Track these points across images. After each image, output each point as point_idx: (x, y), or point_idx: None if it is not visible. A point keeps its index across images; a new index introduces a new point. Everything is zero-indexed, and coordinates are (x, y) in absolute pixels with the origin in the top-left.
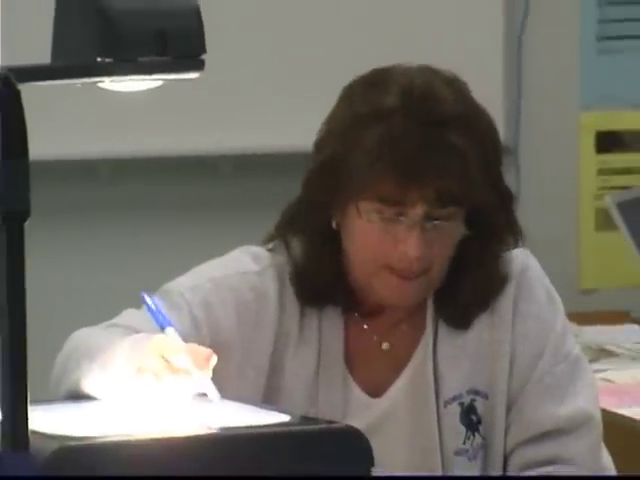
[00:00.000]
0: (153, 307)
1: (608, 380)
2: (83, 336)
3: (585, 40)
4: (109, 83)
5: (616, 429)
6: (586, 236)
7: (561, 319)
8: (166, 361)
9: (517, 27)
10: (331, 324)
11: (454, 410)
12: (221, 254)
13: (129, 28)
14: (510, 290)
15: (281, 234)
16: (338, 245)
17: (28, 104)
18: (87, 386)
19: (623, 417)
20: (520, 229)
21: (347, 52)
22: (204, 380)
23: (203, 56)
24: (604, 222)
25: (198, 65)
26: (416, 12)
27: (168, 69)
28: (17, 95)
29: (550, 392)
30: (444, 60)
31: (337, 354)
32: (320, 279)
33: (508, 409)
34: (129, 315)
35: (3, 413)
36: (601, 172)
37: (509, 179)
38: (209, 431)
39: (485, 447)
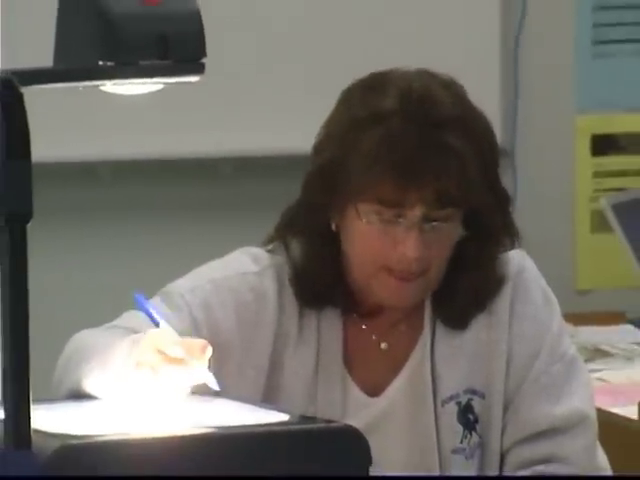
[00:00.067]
0: (146, 306)
1: (603, 380)
2: (84, 338)
3: (580, 44)
4: (111, 86)
5: (611, 428)
6: (582, 238)
7: (557, 320)
8: (162, 353)
9: (514, 31)
10: (330, 324)
11: (451, 409)
12: (221, 255)
13: (130, 32)
14: (507, 291)
15: (281, 235)
16: (337, 247)
17: (31, 107)
18: (88, 386)
19: (618, 416)
20: (517, 231)
21: (346, 55)
22: (201, 369)
23: (203, 60)
24: (599, 224)
25: (198, 68)
26: (413, 16)
27: (169, 72)
28: (20, 98)
29: (546, 392)
30: (442, 63)
31: (336, 354)
32: (319, 280)
33: (505, 408)
34: (129, 317)
35: (6, 412)
36: (596, 174)
37: (506, 181)
38: (208, 430)
39: (482, 446)
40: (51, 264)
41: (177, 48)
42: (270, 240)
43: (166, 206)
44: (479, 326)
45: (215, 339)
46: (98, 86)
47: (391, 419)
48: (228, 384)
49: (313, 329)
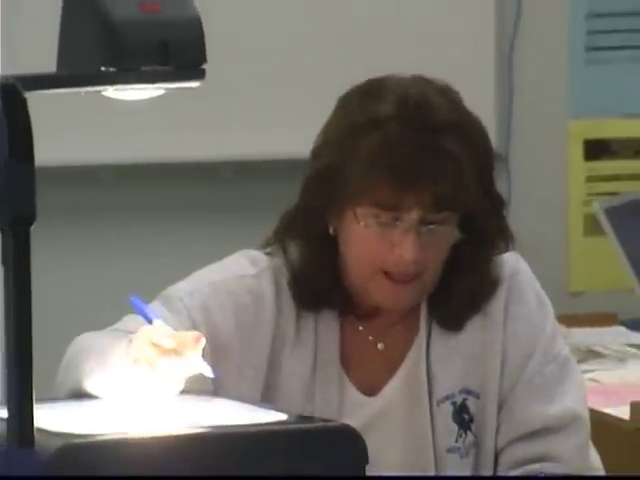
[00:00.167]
0: (141, 308)
1: (596, 380)
2: (84, 340)
3: (574, 51)
4: (113, 91)
5: (603, 428)
6: (575, 241)
7: (550, 321)
8: (157, 346)
9: (508, 38)
10: (327, 325)
11: (447, 409)
12: (221, 256)
13: (132, 38)
14: (501, 293)
15: (279, 239)
16: (335, 250)
17: (34, 111)
18: (88, 386)
19: (610, 416)
20: (511, 234)
21: (343, 61)
22: (196, 358)
23: (204, 66)
24: (592, 227)
25: (199, 74)
26: (410, 23)
27: (170, 78)
28: (24, 103)
29: (539, 392)
30: (438, 70)
31: (333, 354)
32: (317, 283)
33: (499, 408)
34: (129, 320)
35: (9, 411)
36: (589, 179)
37: (500, 185)
38: (208, 429)
39: (477, 445)
40: (54, 266)
41: (178, 54)
42: (268, 243)
43: (167, 208)
44: (474, 327)
45: (214, 341)
46: (100, 91)
47: (387, 418)
48: (227, 384)
49: (310, 330)
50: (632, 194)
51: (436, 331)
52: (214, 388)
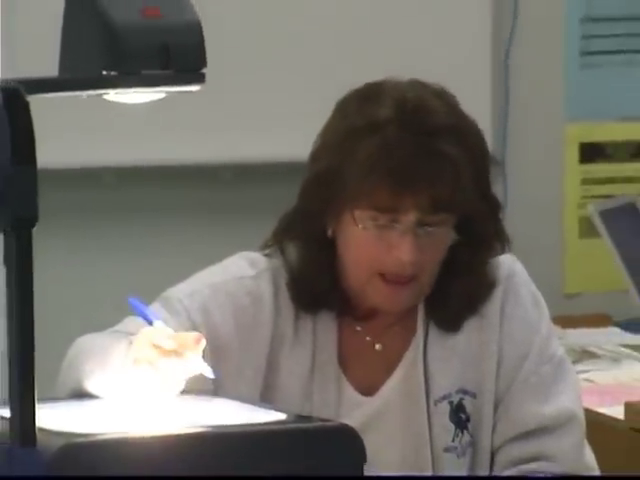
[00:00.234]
0: (140, 309)
1: (590, 381)
2: (85, 342)
3: (569, 55)
4: (114, 95)
5: (598, 428)
6: (570, 243)
7: (546, 322)
8: (157, 347)
9: (505, 43)
10: (325, 326)
11: (444, 409)
12: (221, 258)
13: (133, 43)
14: (497, 295)
15: (278, 240)
16: (333, 252)
17: (36, 114)
18: (89, 386)
19: (605, 416)
20: (507, 236)
21: (341, 66)
22: (196, 359)
23: (204, 69)
24: (587, 229)
25: (199, 78)
26: (408, 29)
27: (171, 82)
28: (26, 106)
29: (535, 392)
30: (435, 74)
31: (331, 354)
32: (315, 285)
33: (495, 408)
34: (130, 322)
35: (12, 411)
36: (584, 182)
37: (497, 188)
38: (207, 429)
39: (473, 444)
40: (56, 267)
41: (178, 58)
42: (267, 245)
43: (168, 210)
44: (471, 328)
45: (214, 342)
46: (102, 95)
47: (385, 418)
48: (227, 384)
49: (309, 331)
50: (626, 197)
51: (433, 332)
52: (214, 388)
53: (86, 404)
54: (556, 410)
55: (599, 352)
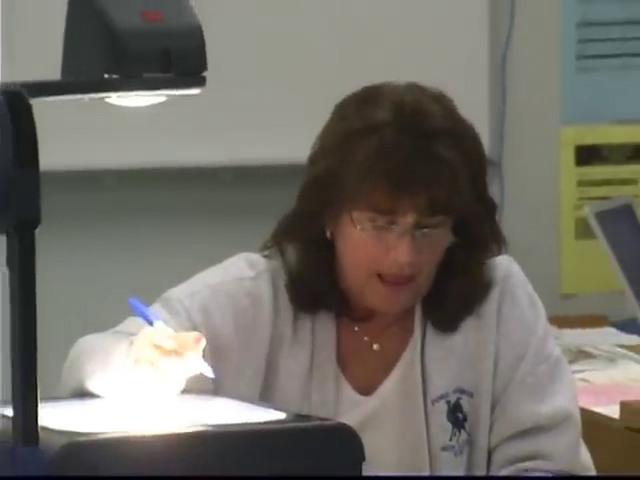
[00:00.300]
0: (141, 309)
1: (586, 380)
2: (87, 342)
3: (565, 59)
4: (116, 98)
5: (594, 427)
6: (566, 244)
7: (542, 323)
8: (158, 347)
9: (501, 48)
10: (324, 326)
11: (441, 408)
12: (221, 259)
13: (135, 47)
14: (494, 295)
15: (277, 242)
16: (332, 253)
17: (39, 117)
18: (91, 386)
19: (600, 416)
20: (503, 237)
21: (340, 69)
22: (196, 358)
23: (204, 73)
24: (583, 231)
25: (200, 81)
26: (405, 34)
27: (171, 85)
28: (29, 109)
29: (531, 391)
30: (434, 78)
31: (330, 354)
32: (314, 286)
33: (492, 407)
34: (131, 322)
35: (14, 410)
36: (580, 184)
37: (493, 190)
38: (207, 428)
39: (470, 443)
40: (58, 268)
41: (179, 62)
42: (267, 246)
43: (169, 212)
44: (468, 329)
45: (214, 342)
46: (104, 98)
47: (383, 417)
48: (226, 384)
49: (307, 331)
50: (622, 198)
51: (431, 332)
52: (214, 388)
53: (88, 403)
54: (552, 409)
55: (595, 352)
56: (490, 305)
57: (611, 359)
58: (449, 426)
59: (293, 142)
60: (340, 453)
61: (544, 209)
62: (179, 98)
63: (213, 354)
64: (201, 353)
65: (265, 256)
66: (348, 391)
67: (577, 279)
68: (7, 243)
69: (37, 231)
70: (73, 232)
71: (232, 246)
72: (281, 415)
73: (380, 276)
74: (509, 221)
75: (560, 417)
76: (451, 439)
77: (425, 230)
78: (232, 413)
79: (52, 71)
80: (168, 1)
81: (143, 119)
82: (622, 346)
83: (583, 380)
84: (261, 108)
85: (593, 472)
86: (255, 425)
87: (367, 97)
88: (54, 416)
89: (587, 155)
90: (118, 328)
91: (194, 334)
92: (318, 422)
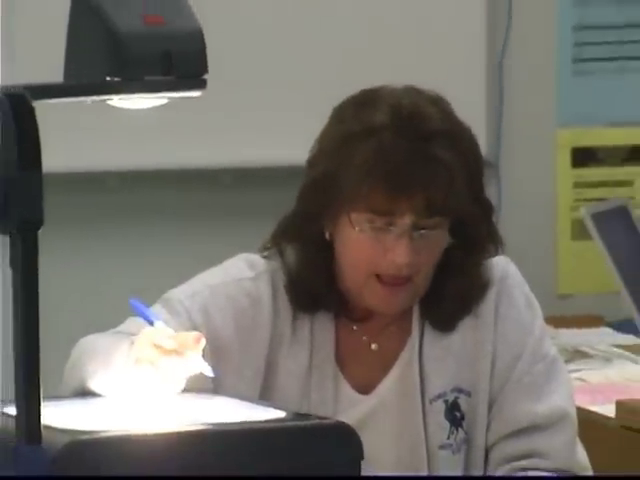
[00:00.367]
0: (141, 309)
1: (582, 380)
2: (88, 342)
3: (561, 62)
4: (117, 101)
5: (590, 426)
6: (563, 245)
7: (539, 323)
8: (158, 347)
9: (498, 51)
10: (323, 326)
11: (439, 407)
12: (221, 260)
13: (136, 50)
14: (491, 296)
15: (276, 243)
16: (331, 254)
17: (42, 119)
18: (93, 385)
19: (596, 414)
20: (500, 238)
21: (339, 71)
22: (196, 358)
23: (205, 76)
24: (579, 232)
25: (201, 84)
26: (403, 37)
27: (173, 88)
28: (32, 111)
29: (528, 391)
30: (430, 81)
31: (328, 353)
32: (313, 287)
33: (489, 407)
34: (132, 323)
35: (18, 409)
36: (576, 185)
37: (490, 191)
38: (208, 426)
39: (468, 441)
40: (60, 269)
41: (180, 65)
42: (266, 247)
43: (169, 213)
44: (465, 328)
45: (214, 343)
46: (105, 100)
47: (381, 416)
48: (226, 384)
49: (306, 331)
50: (617, 200)
51: (429, 332)
52: (214, 387)
53: (90, 403)
54: (548, 409)
55: (591, 352)
56: (487, 305)
57: (607, 359)
58: (447, 425)
59: (292, 144)
60: (339, 451)
61: (541, 210)
62: (180, 100)
63: (213, 354)
64: (201, 353)
65: (265, 257)
66: (347, 390)
67: (573, 279)
68: (10, 244)
69: (40, 232)
70: (75, 233)
71: (232, 247)
72: (280, 414)
73: (378, 277)
74: (506, 222)
75: (556, 416)
76: (449, 437)
77: (423, 231)
78: (232, 412)
79: (52, 72)
80: (169, 5)
81: (144, 121)
82: (618, 346)
83: (579, 379)
84: (261, 110)
85: (589, 470)
86: (255, 424)
87: (365, 100)
88: (57, 415)
89: (583, 157)
90: (119, 328)
91: (194, 334)
92: (317, 421)
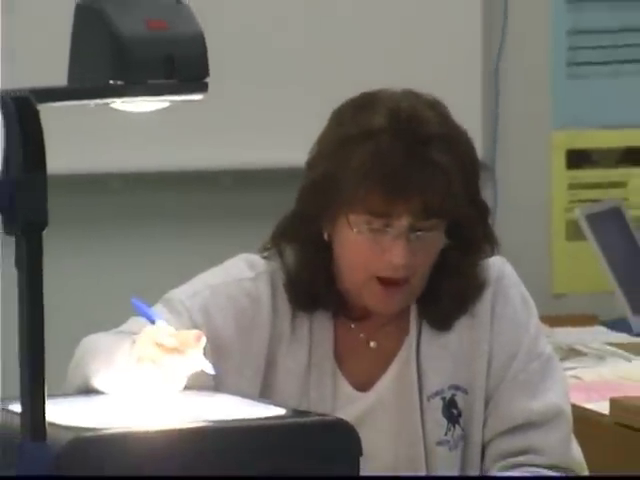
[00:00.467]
0: (143, 309)
1: (577, 377)
2: (91, 341)
3: (556, 66)
4: (120, 104)
5: (584, 423)
6: (557, 245)
7: (534, 322)
8: (160, 345)
9: (494, 55)
10: (321, 324)
11: (436, 404)
12: (221, 260)
13: (139, 54)
14: (488, 296)
15: (276, 243)
16: (329, 255)
17: (46, 122)
18: (96, 383)
19: (591, 412)
20: (496, 239)
21: (338, 75)
22: (197, 356)
23: (207, 79)
24: (574, 232)
25: (202, 87)
26: (400, 41)
27: (175, 91)
28: (36, 114)
29: (523, 388)
30: (427, 84)
31: (327, 351)
32: (312, 287)
33: (486, 404)
34: (134, 322)
35: (23, 407)
36: (571, 187)
37: (487, 193)
38: (209, 423)
39: (464, 438)
40: (64, 269)
41: (182, 68)
42: (266, 247)
43: (170, 215)
44: (462, 327)
45: (215, 342)
46: (109, 103)
47: (379, 413)
48: (227, 383)
49: (305, 329)
50: (611, 201)
51: (426, 331)
52: (215, 384)
53: (93, 400)
54: (544, 406)
55: (585, 350)
56: (484, 305)
57: (601, 357)
58: (444, 421)
59: (292, 146)
60: (338, 448)
61: (536, 211)
62: (182, 103)
63: (214, 353)
64: (202, 351)
65: (264, 257)
66: (345, 387)
67: (568, 279)
68: (16, 245)
69: (44, 233)
70: (78, 234)
71: (232, 247)
72: (280, 411)
73: (377, 277)
74: (502, 223)
75: (551, 413)
76: (446, 434)
77: (419, 233)
78: (233, 409)
79: (52, 73)
80: (171, 10)
81: (146, 124)
82: (612, 344)
83: (574, 377)
84: (261, 113)
85: (584, 466)
86: (255, 421)
87: (364, 103)
88: (61, 412)
89: (578, 159)
90: (121, 328)
91: (195, 332)
92: (317, 418)
